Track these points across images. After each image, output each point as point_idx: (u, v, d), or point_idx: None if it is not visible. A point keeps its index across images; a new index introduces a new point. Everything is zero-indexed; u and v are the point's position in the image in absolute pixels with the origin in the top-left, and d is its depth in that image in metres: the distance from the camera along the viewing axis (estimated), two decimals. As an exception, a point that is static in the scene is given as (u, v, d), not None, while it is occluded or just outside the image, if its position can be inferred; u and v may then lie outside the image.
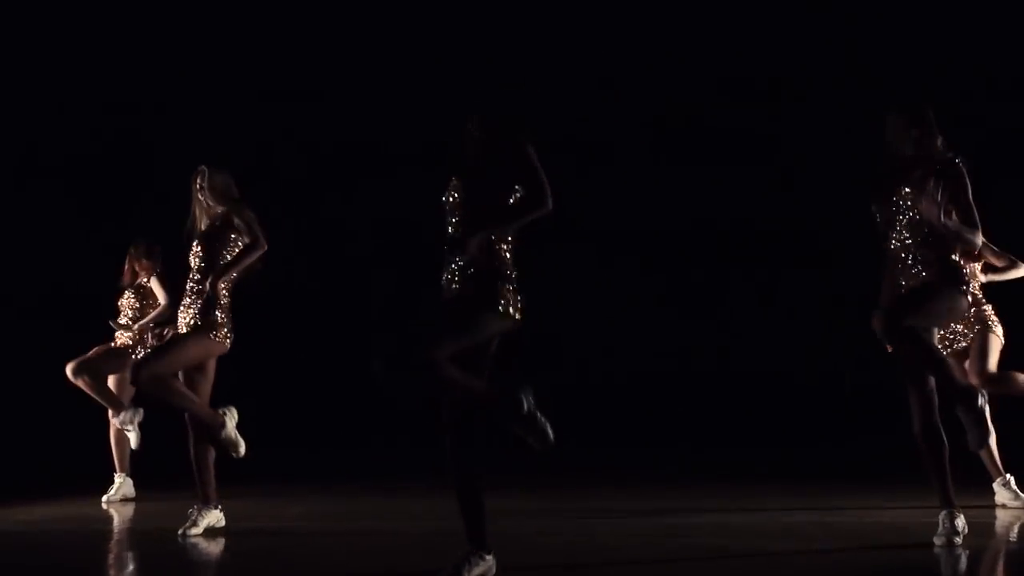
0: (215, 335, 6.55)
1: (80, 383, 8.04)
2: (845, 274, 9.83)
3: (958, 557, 5.67)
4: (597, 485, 9.15)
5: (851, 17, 12.02)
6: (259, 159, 11.75)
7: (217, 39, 12.08)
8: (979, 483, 7.31)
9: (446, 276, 5.04)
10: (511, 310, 4.97)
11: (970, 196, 5.92)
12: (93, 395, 8.08)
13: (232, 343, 6.65)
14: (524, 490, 8.35)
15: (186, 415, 6.60)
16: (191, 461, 6.63)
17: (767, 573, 5.48)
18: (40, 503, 7.92)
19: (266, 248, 6.64)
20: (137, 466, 8.31)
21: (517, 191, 5.07)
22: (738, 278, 13.28)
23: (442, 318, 4.98)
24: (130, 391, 8.04)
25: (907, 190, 5.89)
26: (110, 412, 8.13)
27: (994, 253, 7.36)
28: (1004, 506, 7.20)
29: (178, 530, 6.45)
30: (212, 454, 6.69)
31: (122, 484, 8.19)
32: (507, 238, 5.05)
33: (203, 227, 6.78)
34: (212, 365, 6.67)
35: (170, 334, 7.19)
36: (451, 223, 5.12)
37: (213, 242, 6.68)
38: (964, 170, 5.93)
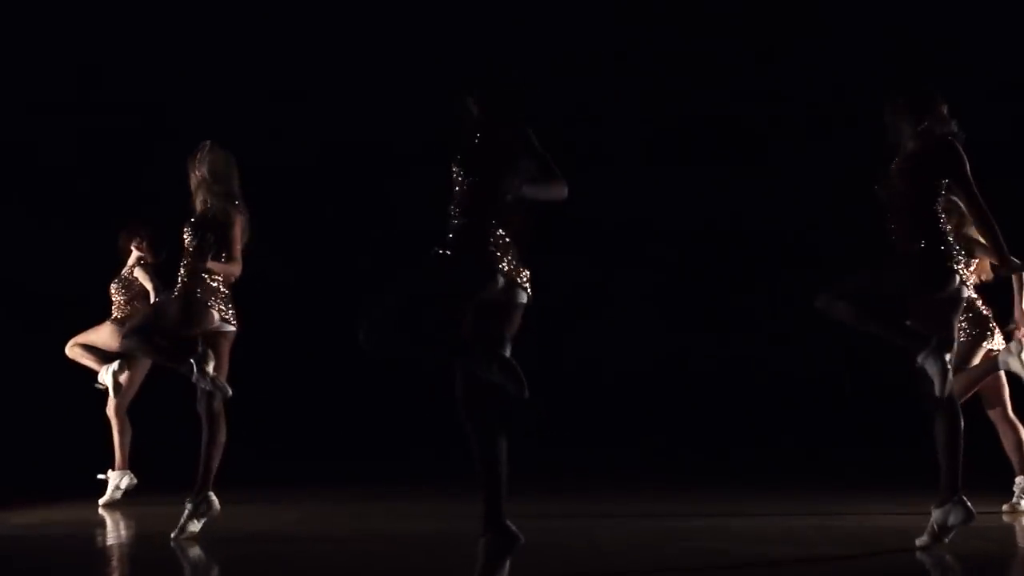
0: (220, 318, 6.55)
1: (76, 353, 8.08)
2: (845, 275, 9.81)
3: (959, 561, 5.66)
4: (597, 488, 9.14)
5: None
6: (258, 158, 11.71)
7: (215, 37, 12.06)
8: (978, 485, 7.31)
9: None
10: (505, 269, 4.83)
11: (967, 171, 5.82)
12: (85, 359, 8.09)
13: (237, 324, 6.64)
14: (523, 492, 8.32)
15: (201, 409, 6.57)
16: (200, 455, 6.57)
17: (768, 578, 5.48)
18: (39, 506, 7.91)
19: (238, 274, 6.62)
20: (137, 467, 8.29)
21: (518, 177, 4.93)
22: (738, 279, 13.26)
23: (421, 277, 4.85)
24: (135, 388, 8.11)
25: (897, 180, 5.86)
26: (110, 404, 8.15)
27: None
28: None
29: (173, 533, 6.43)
30: (220, 453, 6.66)
31: (120, 478, 8.15)
32: (510, 222, 4.92)
33: (197, 207, 6.71)
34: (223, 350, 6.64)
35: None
36: (452, 213, 4.96)
37: (204, 231, 6.60)
38: (958, 146, 5.85)
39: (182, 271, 6.63)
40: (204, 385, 6.45)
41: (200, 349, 6.49)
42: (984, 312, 7.14)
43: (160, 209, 7.28)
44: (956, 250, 5.86)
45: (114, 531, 7.24)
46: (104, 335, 8.21)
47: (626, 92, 12.69)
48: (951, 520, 5.78)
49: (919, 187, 5.85)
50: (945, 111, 5.95)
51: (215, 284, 6.57)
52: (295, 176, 12.48)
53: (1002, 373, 7.14)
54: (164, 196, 7.27)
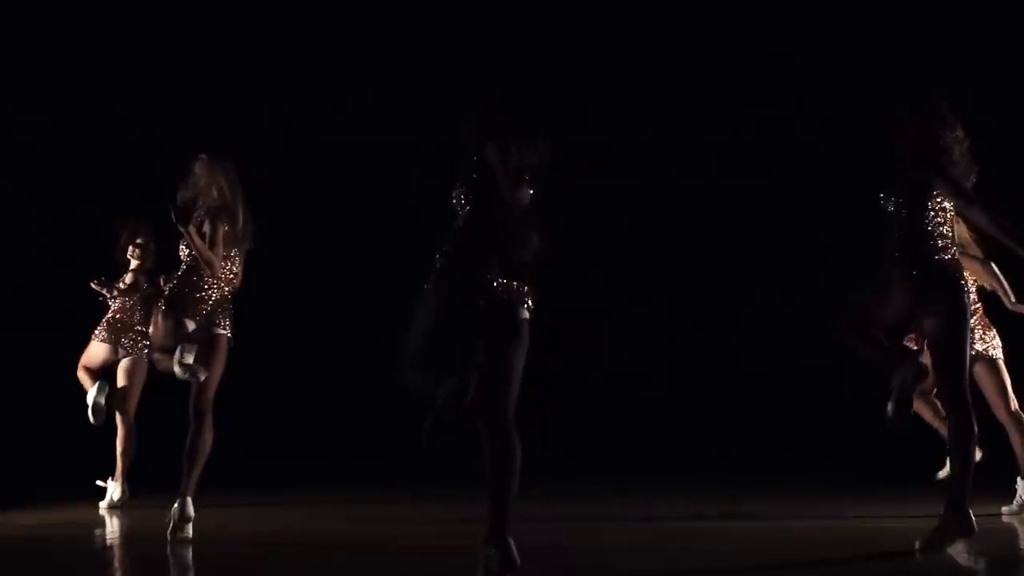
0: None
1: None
2: (844, 276, 9.80)
3: (960, 563, 5.66)
4: (597, 490, 9.14)
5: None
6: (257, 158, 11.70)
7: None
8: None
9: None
10: (495, 285, 4.93)
11: (953, 176, 5.72)
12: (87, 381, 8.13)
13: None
14: (523, 494, 8.32)
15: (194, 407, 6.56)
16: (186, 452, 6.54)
17: (768, 580, 5.48)
18: (39, 507, 7.91)
19: (215, 269, 6.59)
20: (138, 467, 8.29)
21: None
22: (738, 280, 13.25)
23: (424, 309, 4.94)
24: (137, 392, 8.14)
25: (896, 195, 5.83)
26: (118, 418, 8.17)
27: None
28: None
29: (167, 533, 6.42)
30: (206, 450, 6.65)
31: (115, 489, 8.15)
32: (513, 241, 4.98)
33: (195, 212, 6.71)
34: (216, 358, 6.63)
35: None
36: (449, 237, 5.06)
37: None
38: (941, 155, 5.76)
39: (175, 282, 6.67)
40: (181, 372, 6.45)
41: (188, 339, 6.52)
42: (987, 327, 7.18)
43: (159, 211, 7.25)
44: (955, 262, 5.82)
45: (113, 531, 7.24)
46: (99, 353, 8.24)
47: (631, 95, 12.69)
48: None
49: (912, 198, 5.82)
50: (948, 115, 5.88)
51: (201, 295, 6.59)
52: (293, 176, 12.48)
53: (1004, 374, 7.15)
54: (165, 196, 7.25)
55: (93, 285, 8.29)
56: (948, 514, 5.72)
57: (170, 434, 6.88)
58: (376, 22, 12.44)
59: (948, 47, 11.56)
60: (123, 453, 8.17)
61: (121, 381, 8.22)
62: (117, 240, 8.41)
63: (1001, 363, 7.16)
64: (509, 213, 5.01)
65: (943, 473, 7.22)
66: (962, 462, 5.72)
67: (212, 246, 6.57)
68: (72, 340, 8.55)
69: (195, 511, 6.40)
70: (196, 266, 6.60)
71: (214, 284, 6.62)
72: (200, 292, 6.60)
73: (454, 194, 5.07)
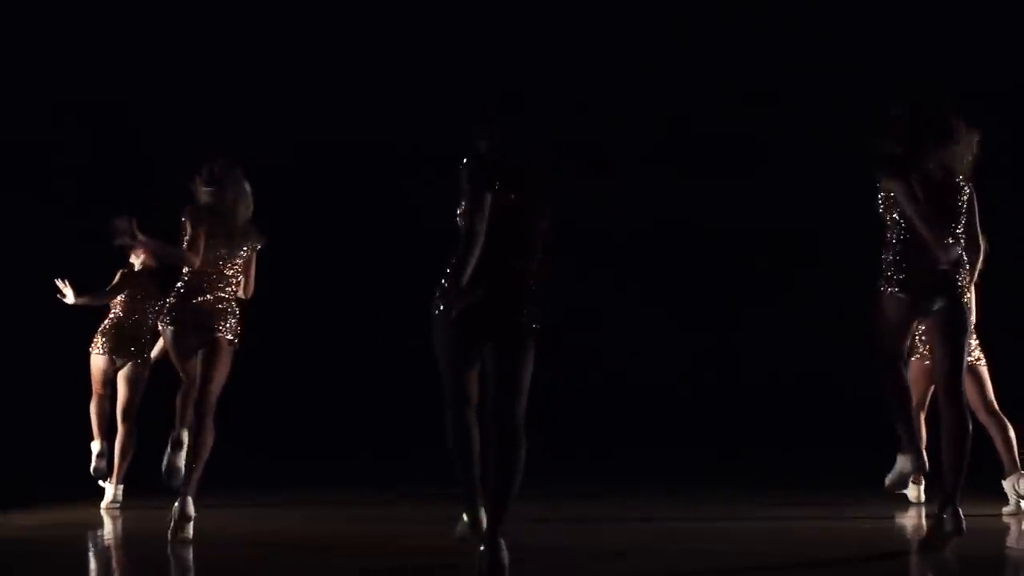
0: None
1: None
2: (845, 276, 9.81)
3: (960, 563, 5.66)
4: (598, 491, 9.14)
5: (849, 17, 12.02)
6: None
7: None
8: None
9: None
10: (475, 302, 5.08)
11: (903, 185, 5.74)
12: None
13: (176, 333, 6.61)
14: (523, 494, 8.32)
15: (195, 409, 6.55)
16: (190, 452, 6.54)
17: (768, 580, 5.48)
18: (40, 507, 7.91)
19: (191, 264, 6.59)
20: (139, 470, 8.29)
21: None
22: (738, 280, 13.25)
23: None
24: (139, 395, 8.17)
25: (892, 192, 5.83)
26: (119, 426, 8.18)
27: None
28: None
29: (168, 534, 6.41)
30: (207, 451, 6.66)
31: (111, 489, 8.15)
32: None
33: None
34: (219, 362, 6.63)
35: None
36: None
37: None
38: (892, 161, 5.81)
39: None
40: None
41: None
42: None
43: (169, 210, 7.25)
44: (899, 268, 5.82)
45: (113, 531, 7.23)
46: (99, 366, 8.23)
47: (632, 98, 12.69)
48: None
49: (886, 204, 5.87)
50: (945, 116, 5.87)
51: (201, 299, 6.59)
52: (294, 176, 12.48)
53: (984, 375, 7.18)
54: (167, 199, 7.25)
55: (57, 282, 8.19)
56: (942, 513, 5.72)
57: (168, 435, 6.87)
58: (377, 22, 12.45)
59: (947, 47, 11.56)
60: (121, 454, 8.17)
61: (121, 389, 8.21)
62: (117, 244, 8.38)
63: (980, 366, 7.18)
64: (513, 230, 5.13)
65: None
66: (956, 459, 5.73)
67: (190, 245, 6.56)
68: (72, 340, 8.55)
69: (195, 511, 6.38)
70: (196, 272, 6.59)
71: (215, 288, 6.60)
72: (199, 297, 6.59)
73: (458, 212, 5.20)
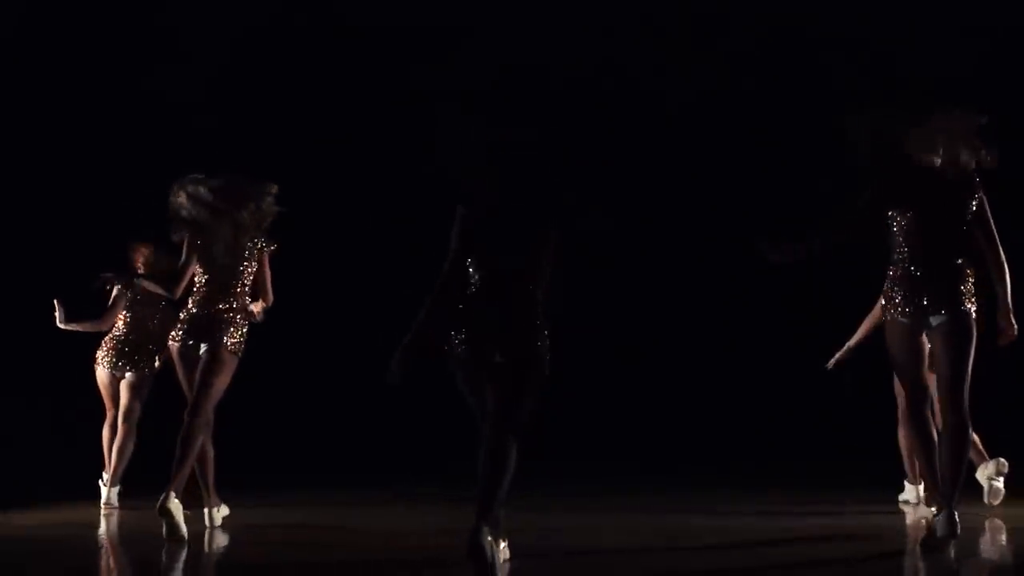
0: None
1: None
2: (845, 277, 9.80)
3: (963, 561, 5.66)
4: (598, 489, 9.14)
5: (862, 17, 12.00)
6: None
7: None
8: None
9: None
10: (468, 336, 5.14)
11: (987, 213, 5.84)
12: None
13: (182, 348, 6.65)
14: (523, 494, 8.32)
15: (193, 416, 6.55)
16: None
17: (768, 580, 5.48)
18: (39, 508, 7.91)
19: (171, 295, 6.78)
20: (139, 470, 8.30)
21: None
22: (738, 280, 13.24)
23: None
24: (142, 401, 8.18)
25: (911, 211, 5.83)
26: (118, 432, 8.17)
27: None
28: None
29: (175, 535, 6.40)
30: (211, 451, 6.68)
31: (108, 492, 8.15)
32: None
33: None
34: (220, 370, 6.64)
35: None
36: None
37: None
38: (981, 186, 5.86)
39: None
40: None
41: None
42: None
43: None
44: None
45: (113, 531, 7.23)
46: (104, 380, 8.24)
47: (632, 98, 12.68)
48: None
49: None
50: (942, 124, 5.87)
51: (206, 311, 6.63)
52: (293, 176, 12.45)
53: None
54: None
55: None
56: (939, 515, 5.72)
57: (170, 436, 6.87)
58: (375, 22, 12.44)
59: (948, 47, 11.55)
60: (119, 456, 8.16)
61: (124, 398, 8.20)
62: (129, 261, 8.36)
63: None
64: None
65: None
66: (954, 463, 5.73)
67: (177, 275, 6.73)
68: (72, 340, 8.54)
69: (182, 506, 6.41)
70: (203, 285, 6.64)
71: (221, 300, 6.62)
72: (207, 309, 6.62)
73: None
